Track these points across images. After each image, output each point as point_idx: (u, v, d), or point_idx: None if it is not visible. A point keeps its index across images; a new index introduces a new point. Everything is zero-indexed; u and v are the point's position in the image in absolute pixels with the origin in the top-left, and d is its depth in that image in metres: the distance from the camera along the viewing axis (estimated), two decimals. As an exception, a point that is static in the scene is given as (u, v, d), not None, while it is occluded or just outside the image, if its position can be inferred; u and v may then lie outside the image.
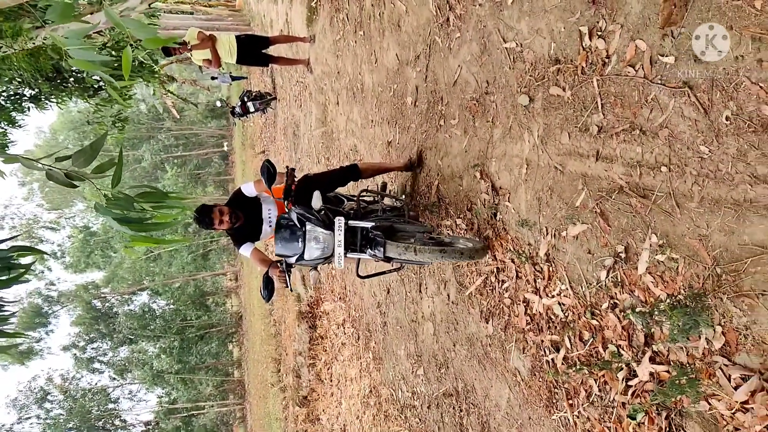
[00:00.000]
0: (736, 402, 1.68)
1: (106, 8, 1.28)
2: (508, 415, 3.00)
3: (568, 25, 2.35)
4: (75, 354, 33.56)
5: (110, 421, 34.45)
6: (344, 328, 6.98)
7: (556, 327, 2.56)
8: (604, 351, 2.26)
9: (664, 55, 1.88)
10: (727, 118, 1.67)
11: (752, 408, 1.64)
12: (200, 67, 7.21)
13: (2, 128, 5.10)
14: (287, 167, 3.55)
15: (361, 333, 6.17)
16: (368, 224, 3.13)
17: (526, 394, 2.82)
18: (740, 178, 1.64)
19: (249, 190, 3.70)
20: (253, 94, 11.43)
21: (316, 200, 3.09)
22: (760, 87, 1.57)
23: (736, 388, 1.68)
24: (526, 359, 2.80)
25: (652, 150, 1.95)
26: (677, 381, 1.82)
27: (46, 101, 5.46)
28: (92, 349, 33.99)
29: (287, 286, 3.31)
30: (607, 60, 2.15)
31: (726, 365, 1.71)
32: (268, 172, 3.22)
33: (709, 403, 1.79)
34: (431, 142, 3.77)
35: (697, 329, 1.77)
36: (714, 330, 1.74)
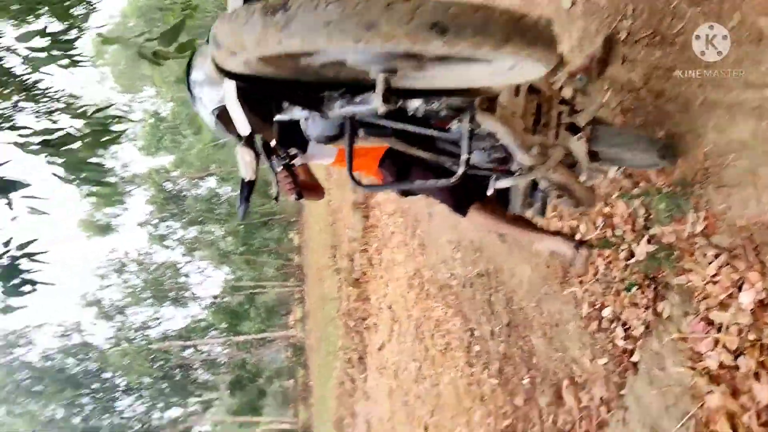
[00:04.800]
0: (708, 275, 2.00)
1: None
2: (529, 291, 3.41)
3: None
4: (149, 231, 36.12)
5: (181, 293, 37.54)
6: (395, 217, 7.48)
7: (574, 214, 2.87)
8: (612, 235, 2.58)
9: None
10: (732, 28, 1.85)
11: (719, 280, 1.96)
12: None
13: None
14: None
15: (409, 223, 6.65)
16: None
17: (545, 274, 3.20)
18: (734, 85, 1.84)
19: None
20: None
21: None
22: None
23: (709, 264, 1.99)
24: (547, 242, 3.15)
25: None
26: (657, 256, 2.14)
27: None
28: (164, 227, 36.43)
29: (298, 197, 2.02)
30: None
31: (704, 245, 2.01)
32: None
33: (688, 278, 2.10)
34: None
35: (683, 214, 2.06)
36: (698, 215, 2.02)
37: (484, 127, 1.36)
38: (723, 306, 1.96)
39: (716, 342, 1.96)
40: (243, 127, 1.40)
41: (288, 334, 34.11)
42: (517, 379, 3.60)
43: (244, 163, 1.59)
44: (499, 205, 2.21)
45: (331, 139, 1.61)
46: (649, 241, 2.31)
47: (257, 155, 1.61)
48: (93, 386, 29.61)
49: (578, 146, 1.74)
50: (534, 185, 1.84)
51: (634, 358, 2.39)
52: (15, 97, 3.54)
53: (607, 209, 2.60)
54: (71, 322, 30.64)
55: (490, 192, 1.60)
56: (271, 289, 33.26)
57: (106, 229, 35.49)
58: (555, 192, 1.80)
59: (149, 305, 35.30)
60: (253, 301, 34.69)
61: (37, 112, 3.73)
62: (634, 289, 2.42)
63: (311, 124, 1.58)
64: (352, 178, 1.42)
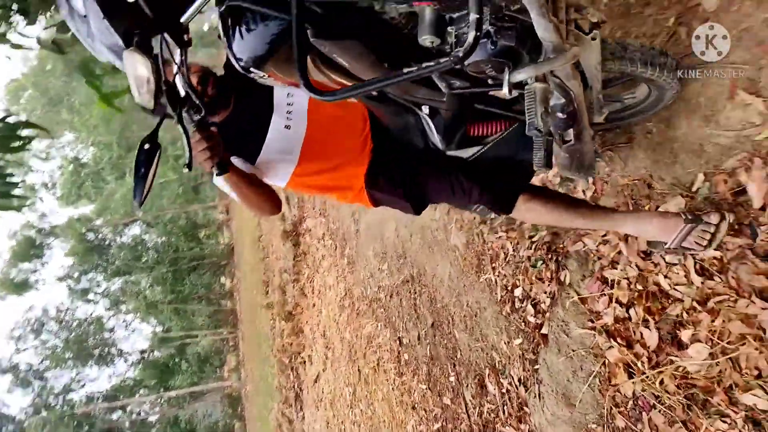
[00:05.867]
0: (599, 236, 2.16)
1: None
2: (450, 287, 3.50)
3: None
4: (69, 285, 34.28)
5: (107, 350, 35.57)
6: (324, 241, 7.50)
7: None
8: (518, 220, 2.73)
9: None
10: None
11: (608, 239, 2.12)
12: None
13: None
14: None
15: (338, 243, 6.69)
16: None
17: (462, 266, 3.31)
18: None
19: None
20: None
21: None
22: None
23: (599, 226, 2.15)
24: (461, 235, 3.28)
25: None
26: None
27: (35, 15, 5.68)
28: (86, 280, 34.70)
29: (220, 170, 1.51)
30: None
31: (594, 209, 2.17)
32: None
33: (583, 242, 2.26)
34: None
35: (575, 183, 2.22)
36: (586, 181, 2.19)
37: None
38: (613, 263, 2.12)
39: (610, 298, 2.11)
40: None
41: (223, 385, 32.80)
42: (444, 378, 3.65)
43: (136, 79, 1.10)
44: (552, 192, 1.91)
45: (268, 55, 1.24)
46: (548, 216, 2.47)
47: (157, 67, 1.11)
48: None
49: (592, 50, 1.34)
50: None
51: (544, 330, 2.51)
52: None
53: (511, 193, 2.76)
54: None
55: (505, 90, 1.21)
56: (203, 338, 32.07)
57: (22, 286, 33.39)
58: (559, 135, 1.47)
59: (71, 366, 33.23)
60: (183, 352, 33.31)
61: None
62: (539, 264, 2.56)
63: (238, 41, 1.22)
64: (308, 86, 1.02)
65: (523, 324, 2.71)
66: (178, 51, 1.18)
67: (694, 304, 1.80)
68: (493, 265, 2.96)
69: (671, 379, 1.84)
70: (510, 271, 2.81)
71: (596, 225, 1.88)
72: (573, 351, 2.31)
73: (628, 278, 2.05)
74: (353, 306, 5.96)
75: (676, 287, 1.87)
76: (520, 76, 1.20)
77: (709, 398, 1.72)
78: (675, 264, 1.87)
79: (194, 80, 1.65)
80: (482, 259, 3.07)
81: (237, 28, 1.19)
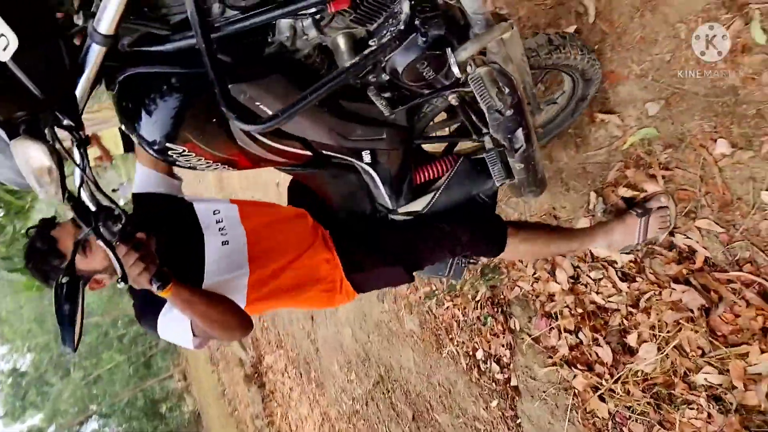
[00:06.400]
0: (530, 275, 2.29)
1: None
2: (418, 373, 3.49)
3: None
4: None
5: None
6: (287, 372, 7.27)
7: (424, 280, 3.12)
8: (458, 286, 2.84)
9: None
10: None
11: (539, 276, 2.25)
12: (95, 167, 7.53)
13: None
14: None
15: (302, 369, 6.51)
16: None
17: (423, 348, 3.34)
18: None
19: (150, 177, 1.66)
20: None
21: None
22: None
23: (526, 266, 2.29)
24: (414, 318, 3.33)
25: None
26: (491, 279, 2.41)
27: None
28: (51, 499, 31.32)
29: (161, 282, 1.23)
30: None
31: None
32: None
33: (519, 286, 2.38)
34: None
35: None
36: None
37: None
38: (550, 297, 2.24)
39: (559, 329, 2.21)
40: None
41: None
42: (439, 469, 3.54)
43: (34, 172, 0.84)
44: (531, 223, 2.11)
45: (178, 126, 1.14)
46: (482, 273, 2.60)
47: (54, 149, 0.85)
48: None
49: (513, 41, 1.29)
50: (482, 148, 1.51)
51: (513, 383, 2.54)
52: None
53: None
54: None
55: (456, 71, 1.17)
56: None
57: None
58: (509, 140, 1.42)
59: None
60: None
61: None
62: (489, 320, 2.64)
63: (145, 122, 1.12)
64: (241, 116, 0.90)
65: (493, 384, 2.73)
66: (77, 153, 0.94)
67: (629, 308, 1.93)
68: (450, 336, 3.01)
69: (635, 386, 1.91)
70: (466, 336, 2.87)
71: (576, 245, 1.89)
72: (544, 392, 2.35)
73: (567, 306, 2.16)
74: (333, 428, 5.72)
75: (609, 299, 2.00)
76: (464, 53, 1.16)
77: (672, 391, 1.80)
78: (600, 278, 2.01)
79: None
80: (438, 334, 3.12)
81: (138, 112, 1.11)
